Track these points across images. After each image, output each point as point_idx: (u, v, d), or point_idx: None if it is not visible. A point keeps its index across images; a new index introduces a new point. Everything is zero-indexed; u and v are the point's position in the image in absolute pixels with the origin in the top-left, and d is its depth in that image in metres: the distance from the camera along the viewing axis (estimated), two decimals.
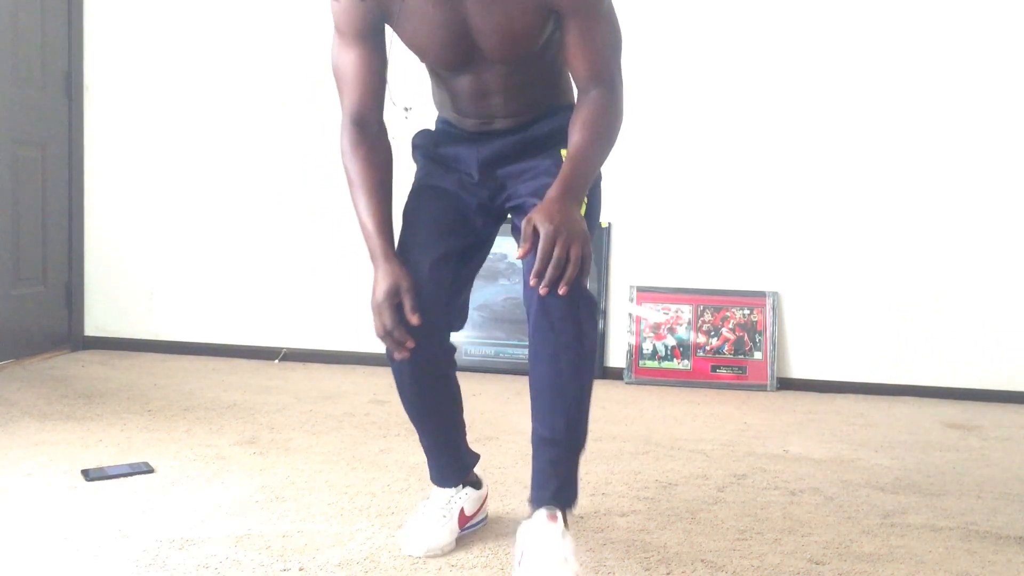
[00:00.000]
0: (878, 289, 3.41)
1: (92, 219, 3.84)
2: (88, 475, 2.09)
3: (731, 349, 3.47)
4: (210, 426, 2.60)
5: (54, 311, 3.71)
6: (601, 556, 1.70)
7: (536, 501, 1.52)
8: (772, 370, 3.43)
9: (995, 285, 3.34)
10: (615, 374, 3.53)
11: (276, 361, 3.69)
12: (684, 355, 3.49)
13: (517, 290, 3.51)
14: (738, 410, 3.06)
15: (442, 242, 1.59)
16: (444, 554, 1.68)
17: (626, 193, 3.47)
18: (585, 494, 1.89)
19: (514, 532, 1.80)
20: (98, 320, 3.86)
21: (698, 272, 3.52)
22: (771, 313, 3.46)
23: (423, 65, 1.65)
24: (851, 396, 3.35)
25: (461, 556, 1.69)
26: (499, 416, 2.83)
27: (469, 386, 3.21)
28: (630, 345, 3.51)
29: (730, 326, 3.48)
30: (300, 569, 1.61)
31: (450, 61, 1.56)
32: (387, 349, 1.56)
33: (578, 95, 1.56)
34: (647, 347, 3.51)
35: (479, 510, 1.82)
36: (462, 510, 1.76)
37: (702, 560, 1.70)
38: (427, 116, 1.83)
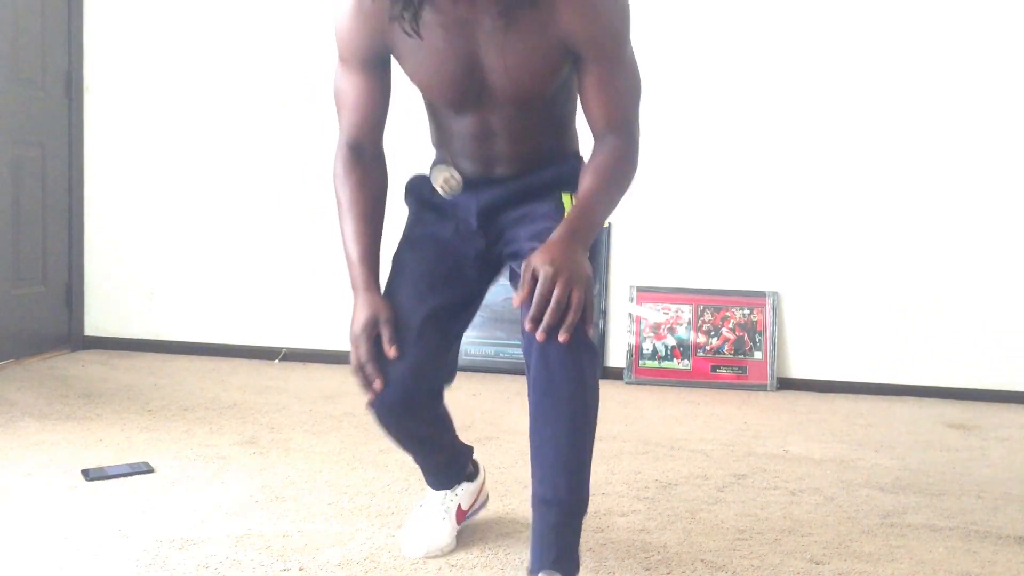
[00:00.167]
0: (878, 289, 3.41)
1: (92, 219, 3.84)
2: (88, 475, 2.09)
3: (731, 349, 3.47)
4: (210, 426, 2.60)
5: (54, 311, 3.71)
6: (601, 556, 1.70)
7: (536, 568, 1.40)
8: (772, 370, 3.43)
9: (995, 285, 3.34)
10: (615, 374, 3.53)
11: (276, 361, 3.69)
12: (684, 355, 3.49)
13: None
14: (738, 410, 3.06)
15: (433, 297, 1.51)
16: (444, 555, 1.68)
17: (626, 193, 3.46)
18: None
19: (514, 532, 1.81)
20: (98, 320, 3.86)
21: (698, 272, 3.52)
22: (771, 313, 3.46)
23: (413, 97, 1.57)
24: (851, 396, 3.35)
25: (461, 556, 1.69)
26: (499, 416, 2.83)
27: (469, 386, 3.23)
28: (630, 345, 3.51)
29: (730, 326, 3.48)
30: (300, 569, 1.61)
31: (456, 99, 1.48)
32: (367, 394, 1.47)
33: (594, 141, 1.49)
34: (647, 347, 3.51)
35: (476, 499, 1.82)
36: (459, 507, 1.76)
37: (702, 560, 1.70)
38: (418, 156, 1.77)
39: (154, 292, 3.82)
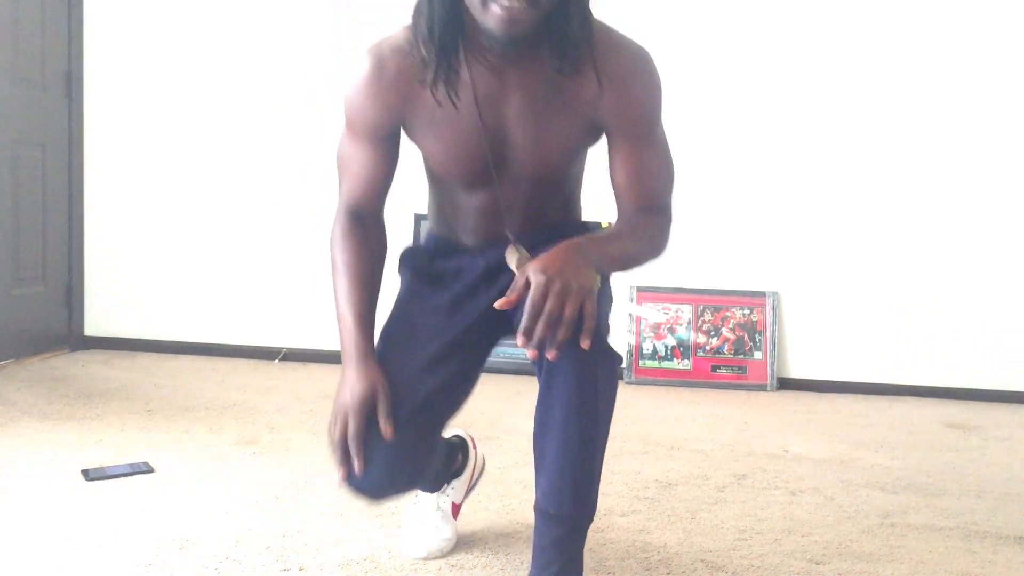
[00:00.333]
0: (878, 289, 3.41)
1: (92, 219, 3.84)
2: (88, 475, 2.09)
3: (731, 349, 3.47)
4: (210, 426, 2.60)
5: (54, 311, 3.71)
6: (601, 556, 1.70)
7: None
8: (772, 370, 3.43)
9: (995, 285, 3.34)
10: None
11: (276, 361, 3.69)
12: (684, 355, 3.49)
13: None
14: (738, 410, 3.06)
15: (428, 379, 1.38)
16: (444, 555, 1.68)
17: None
18: None
19: (514, 532, 1.81)
20: (98, 320, 3.85)
21: (698, 272, 3.52)
22: (771, 313, 3.46)
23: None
24: (851, 396, 3.35)
25: (461, 556, 1.69)
26: (499, 416, 2.83)
27: None
28: (630, 345, 3.51)
29: (730, 326, 3.48)
30: (300, 569, 1.61)
31: (473, 174, 1.39)
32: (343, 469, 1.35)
33: (626, 215, 1.39)
34: (647, 347, 3.51)
35: (470, 483, 1.80)
36: (452, 504, 1.76)
37: (702, 560, 1.70)
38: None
39: (154, 292, 3.81)
